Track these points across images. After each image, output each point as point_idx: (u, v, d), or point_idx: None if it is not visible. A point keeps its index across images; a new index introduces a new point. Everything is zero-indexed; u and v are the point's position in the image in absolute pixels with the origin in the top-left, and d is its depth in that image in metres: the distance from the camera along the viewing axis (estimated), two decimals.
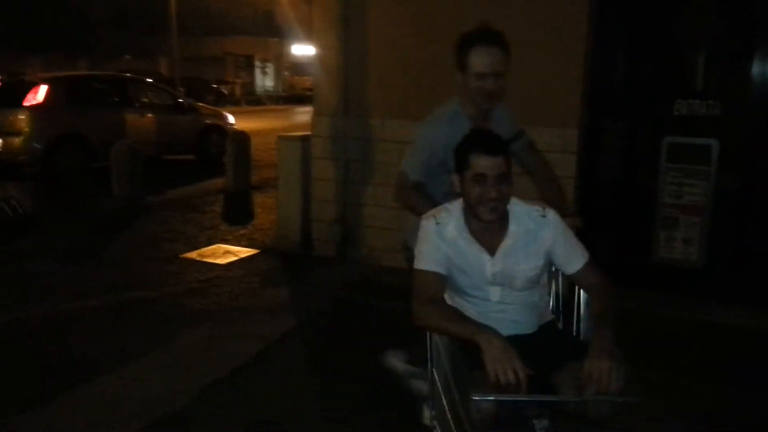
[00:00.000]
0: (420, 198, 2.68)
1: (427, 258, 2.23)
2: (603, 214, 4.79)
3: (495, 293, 2.25)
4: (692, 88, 4.58)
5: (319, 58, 5.81)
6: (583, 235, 2.43)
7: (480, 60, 2.57)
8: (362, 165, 5.66)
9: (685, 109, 4.56)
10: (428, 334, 2.27)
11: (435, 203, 2.48)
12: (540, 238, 2.21)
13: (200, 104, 13.29)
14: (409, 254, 2.54)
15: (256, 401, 3.34)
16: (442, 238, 2.23)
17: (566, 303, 2.48)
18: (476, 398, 1.89)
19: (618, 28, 4.75)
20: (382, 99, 5.52)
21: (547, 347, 2.20)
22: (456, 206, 2.27)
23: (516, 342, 2.15)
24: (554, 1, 4.67)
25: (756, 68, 4.39)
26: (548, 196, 2.89)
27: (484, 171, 2.10)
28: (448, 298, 2.35)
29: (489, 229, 2.21)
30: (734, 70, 4.54)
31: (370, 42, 5.49)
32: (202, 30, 36.52)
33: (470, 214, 2.21)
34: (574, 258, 2.24)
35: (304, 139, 5.94)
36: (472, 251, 2.22)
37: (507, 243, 2.20)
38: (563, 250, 2.23)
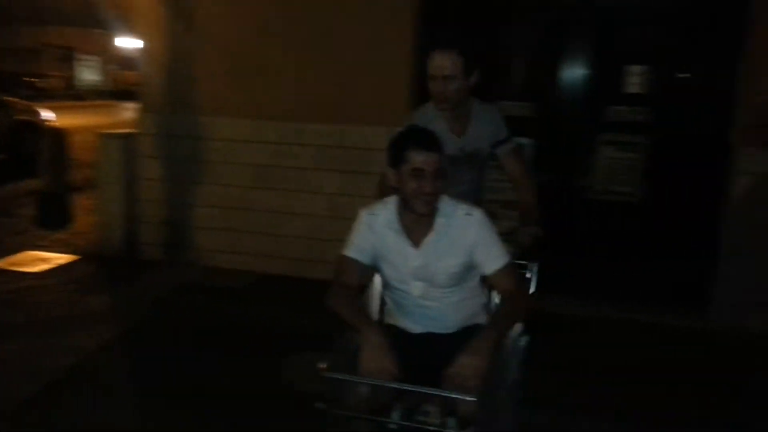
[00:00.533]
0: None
1: (351, 245, 2.33)
2: None
3: (417, 288, 2.31)
4: (512, 91, 4.98)
5: (147, 52, 5.52)
6: (541, 244, 2.66)
7: (430, 62, 2.80)
8: (192, 164, 5.46)
9: (505, 111, 4.86)
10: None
11: None
12: (464, 236, 2.26)
13: (11, 99, 12.08)
14: None
15: (73, 419, 3.08)
16: (370, 229, 2.32)
17: None
18: (323, 373, 1.95)
19: (441, 35, 4.96)
20: (212, 97, 5.36)
21: (457, 348, 2.20)
22: (392, 200, 2.35)
23: (428, 339, 2.32)
24: (382, 9, 4.85)
25: (565, 73, 4.83)
26: (521, 204, 3.02)
27: (422, 166, 2.16)
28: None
29: (419, 223, 2.27)
30: (547, 75, 4.94)
31: (199, 38, 5.31)
32: (19, 19, 33.31)
33: (404, 207, 2.27)
34: (493, 259, 2.27)
35: (127, 137, 5.61)
36: (398, 243, 2.29)
37: (431, 237, 2.26)
38: (484, 250, 2.27)
